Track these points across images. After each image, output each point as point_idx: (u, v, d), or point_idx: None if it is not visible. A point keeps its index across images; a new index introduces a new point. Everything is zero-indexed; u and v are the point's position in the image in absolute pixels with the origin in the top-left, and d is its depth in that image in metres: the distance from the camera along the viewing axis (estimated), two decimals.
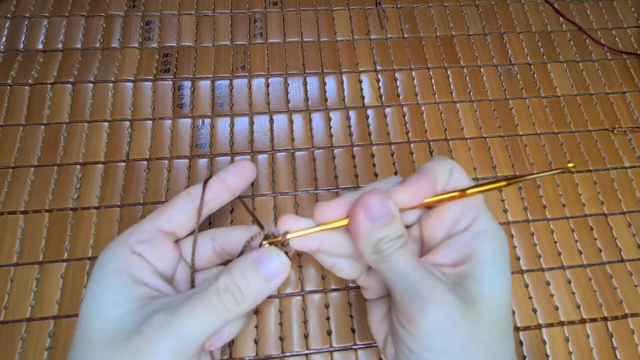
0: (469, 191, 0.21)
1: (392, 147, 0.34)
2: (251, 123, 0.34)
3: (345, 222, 0.21)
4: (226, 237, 0.24)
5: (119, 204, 0.31)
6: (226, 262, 0.26)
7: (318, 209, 0.21)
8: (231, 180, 0.25)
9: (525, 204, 0.32)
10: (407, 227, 0.23)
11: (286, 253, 0.22)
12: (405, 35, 0.39)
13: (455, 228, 0.21)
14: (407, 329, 0.19)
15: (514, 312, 0.29)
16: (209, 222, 0.30)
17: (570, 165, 0.21)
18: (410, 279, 0.19)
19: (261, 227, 0.24)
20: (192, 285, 0.24)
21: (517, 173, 0.34)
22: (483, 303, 0.18)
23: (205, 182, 0.25)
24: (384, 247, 0.19)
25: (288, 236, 0.21)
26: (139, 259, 0.22)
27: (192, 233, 0.24)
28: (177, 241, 0.24)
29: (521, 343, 0.28)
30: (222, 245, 0.24)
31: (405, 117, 0.35)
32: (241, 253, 0.23)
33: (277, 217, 0.31)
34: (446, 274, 0.20)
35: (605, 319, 0.29)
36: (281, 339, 0.28)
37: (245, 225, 0.26)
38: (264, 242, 0.22)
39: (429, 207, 0.22)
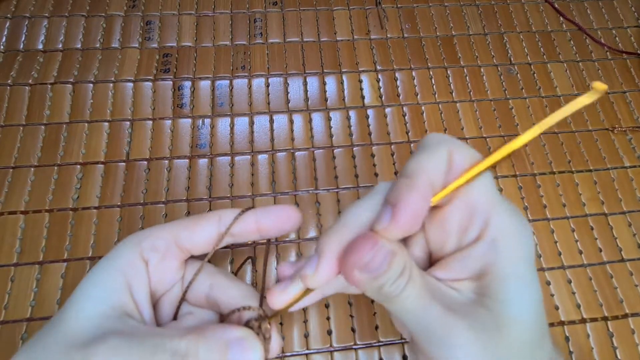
0: (468, 174, 0.16)
1: (392, 147, 0.34)
2: (251, 123, 0.34)
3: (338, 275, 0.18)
4: (223, 291, 0.22)
5: (119, 204, 0.31)
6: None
7: (306, 279, 0.18)
8: (265, 224, 0.23)
9: (526, 204, 0.32)
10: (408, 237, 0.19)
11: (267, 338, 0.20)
12: (406, 35, 0.39)
13: (464, 238, 0.17)
14: None
15: None
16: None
17: (600, 87, 0.13)
18: (423, 321, 0.16)
19: (261, 300, 0.22)
20: (175, 314, 0.23)
21: (516, 172, 0.34)
22: (511, 327, 0.16)
23: (242, 212, 0.23)
24: (387, 291, 0.16)
25: (283, 306, 0.19)
26: (141, 265, 0.21)
27: (201, 257, 0.23)
28: (187, 259, 0.23)
29: None
30: (216, 298, 0.22)
31: (406, 117, 0.35)
32: (225, 318, 0.21)
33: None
34: (462, 291, 0.17)
35: (605, 318, 0.29)
36: (282, 338, 0.27)
37: (248, 287, 0.23)
38: (256, 322, 0.20)
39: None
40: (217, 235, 0.22)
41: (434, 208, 0.18)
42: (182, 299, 0.23)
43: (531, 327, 0.16)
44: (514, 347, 0.16)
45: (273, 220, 0.22)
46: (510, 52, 0.39)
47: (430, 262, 0.19)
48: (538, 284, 0.17)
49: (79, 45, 0.36)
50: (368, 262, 0.16)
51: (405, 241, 0.19)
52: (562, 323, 0.29)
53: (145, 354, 0.17)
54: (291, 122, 0.35)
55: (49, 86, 0.34)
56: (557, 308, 0.29)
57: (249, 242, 0.30)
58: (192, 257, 0.24)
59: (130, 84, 0.35)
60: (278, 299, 0.19)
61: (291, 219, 0.23)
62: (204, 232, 0.22)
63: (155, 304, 0.23)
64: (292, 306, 0.19)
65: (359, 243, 0.16)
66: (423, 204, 0.16)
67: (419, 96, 0.36)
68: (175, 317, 0.23)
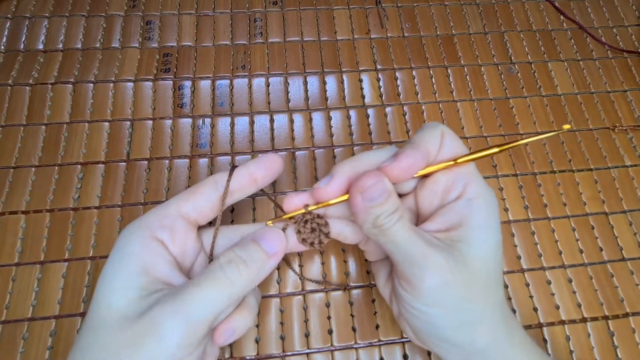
0: (459, 160, 0.22)
1: (393, 146, 0.34)
2: (251, 123, 0.34)
3: (346, 197, 0.22)
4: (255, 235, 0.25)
5: (119, 203, 0.31)
6: None
7: (319, 191, 0.22)
8: (259, 174, 0.25)
9: (526, 203, 0.32)
10: (403, 195, 0.24)
11: (327, 234, 0.24)
12: (406, 35, 0.39)
13: (447, 197, 0.22)
14: (408, 291, 0.21)
15: (515, 311, 0.29)
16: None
17: (565, 127, 0.21)
18: (408, 250, 0.20)
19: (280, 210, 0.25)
20: None
21: (517, 171, 0.34)
22: (475, 262, 0.21)
23: (232, 170, 0.24)
24: (381, 222, 0.20)
25: (326, 200, 0.23)
26: (158, 246, 0.22)
27: (212, 223, 0.25)
28: (199, 229, 0.25)
29: None
30: None
31: (406, 117, 0.35)
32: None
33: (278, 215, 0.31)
34: (440, 239, 0.21)
35: (606, 317, 0.29)
36: (282, 338, 0.28)
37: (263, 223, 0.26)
38: (307, 213, 0.24)
39: (423, 177, 0.23)
40: (218, 199, 0.24)
41: (424, 177, 0.23)
42: (211, 259, 0.24)
43: (490, 264, 0.21)
44: (475, 276, 0.21)
45: (265, 169, 0.25)
46: (510, 51, 0.39)
47: (417, 223, 0.24)
48: (499, 233, 0.22)
49: (79, 45, 0.36)
50: (369, 189, 0.20)
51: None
52: (562, 322, 0.29)
53: (197, 286, 0.20)
54: (291, 121, 0.35)
55: (50, 86, 0.34)
56: (557, 307, 0.29)
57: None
58: (201, 227, 0.25)
59: (131, 84, 0.35)
60: (323, 191, 0.23)
61: (277, 163, 0.25)
62: (205, 198, 0.24)
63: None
64: (315, 208, 0.24)
65: (366, 174, 0.21)
66: (421, 160, 0.21)
67: (419, 95, 0.36)
68: None
